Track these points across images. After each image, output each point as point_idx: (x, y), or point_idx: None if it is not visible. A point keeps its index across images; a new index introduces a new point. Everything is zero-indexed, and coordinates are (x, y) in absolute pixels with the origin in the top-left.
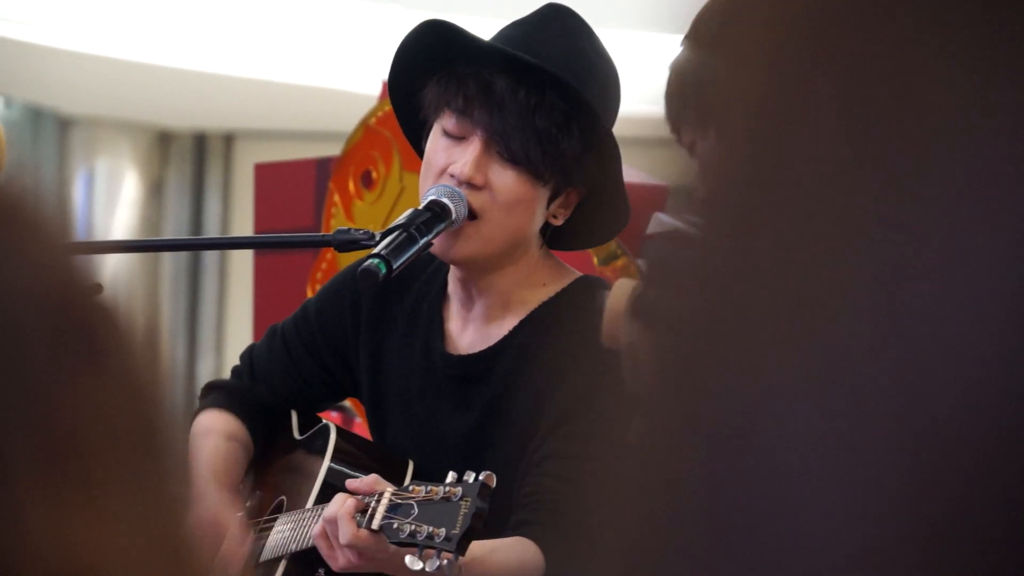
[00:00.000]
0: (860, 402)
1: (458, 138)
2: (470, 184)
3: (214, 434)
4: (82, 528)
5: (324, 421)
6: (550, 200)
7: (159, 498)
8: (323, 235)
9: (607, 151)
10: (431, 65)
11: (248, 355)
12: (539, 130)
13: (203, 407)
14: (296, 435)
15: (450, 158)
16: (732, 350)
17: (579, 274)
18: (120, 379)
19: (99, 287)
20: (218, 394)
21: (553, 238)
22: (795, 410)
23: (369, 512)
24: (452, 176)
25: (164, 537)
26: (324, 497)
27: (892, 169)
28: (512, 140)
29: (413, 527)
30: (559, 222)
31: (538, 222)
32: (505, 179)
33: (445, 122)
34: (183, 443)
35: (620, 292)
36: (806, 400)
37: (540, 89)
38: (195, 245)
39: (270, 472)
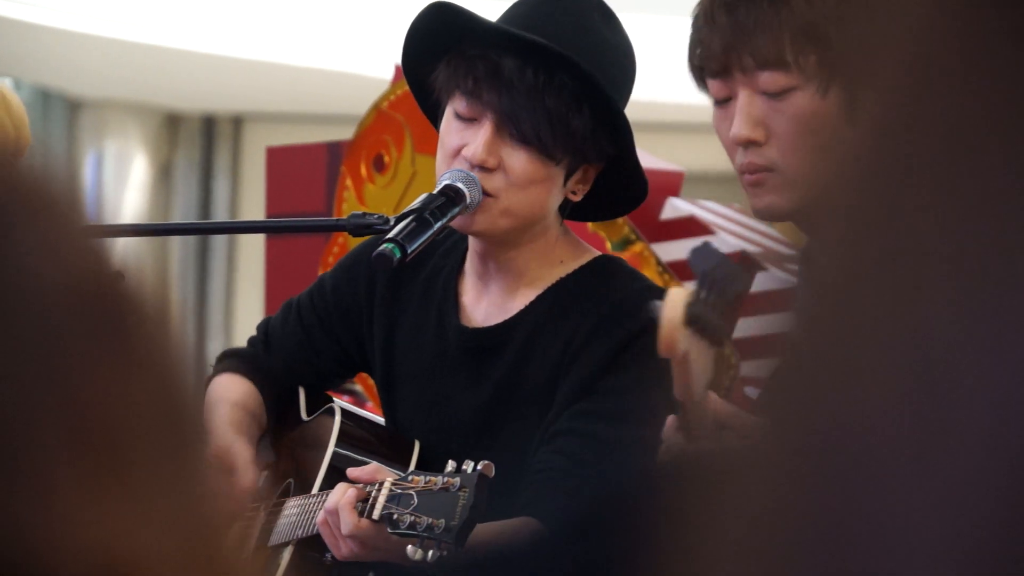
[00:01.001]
0: (958, 417)
1: (469, 120)
2: (483, 167)
3: (230, 394)
4: (115, 513)
5: (331, 401)
6: (567, 177)
7: (191, 482)
8: (337, 219)
9: (619, 127)
10: (440, 47)
11: (264, 327)
12: (549, 110)
13: (218, 371)
14: (303, 415)
15: (463, 140)
16: (839, 355)
17: (597, 252)
18: (150, 365)
19: (121, 273)
20: (234, 360)
21: (573, 210)
22: (895, 423)
23: (370, 502)
24: (465, 159)
25: (195, 522)
26: (329, 482)
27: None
28: (522, 121)
29: (413, 518)
30: (578, 198)
31: (555, 199)
32: (517, 160)
33: (456, 104)
34: (207, 426)
35: (675, 301)
36: (905, 412)
37: (548, 68)
38: (209, 229)
39: (278, 453)
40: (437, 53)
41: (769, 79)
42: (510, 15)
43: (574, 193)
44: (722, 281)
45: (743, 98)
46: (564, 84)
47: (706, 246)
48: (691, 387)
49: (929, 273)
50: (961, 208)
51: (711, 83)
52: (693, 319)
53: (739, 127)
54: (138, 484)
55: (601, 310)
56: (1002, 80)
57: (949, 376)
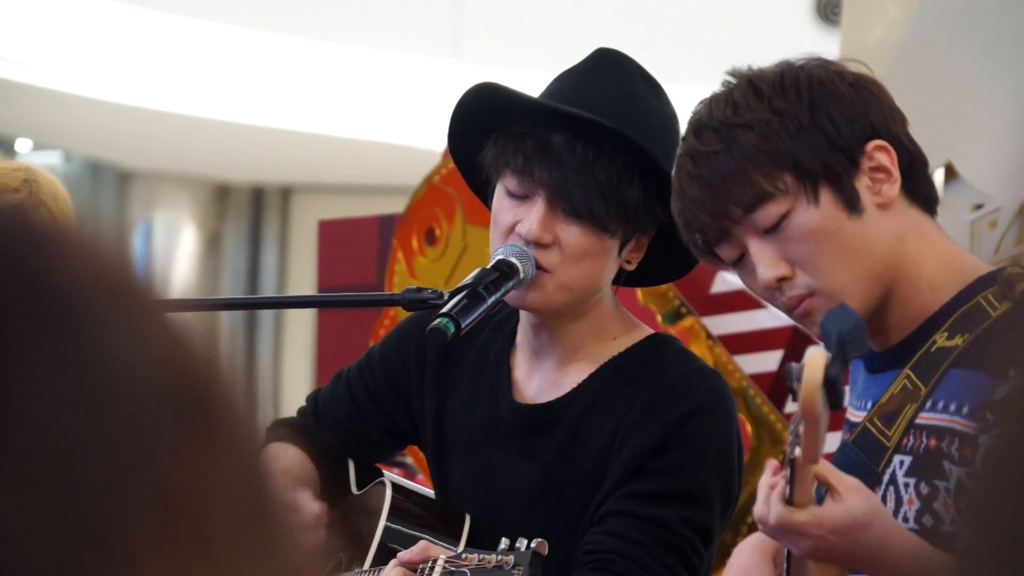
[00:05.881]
0: None
1: (521, 197)
2: (538, 243)
3: (282, 463)
4: None
5: (381, 475)
6: (621, 247)
7: (275, 561)
8: (391, 294)
9: (670, 193)
10: (486, 126)
11: (314, 397)
12: (600, 182)
13: (269, 440)
14: (354, 490)
15: (516, 217)
16: None
17: (650, 330)
18: (232, 444)
19: (201, 354)
20: (285, 430)
21: (625, 277)
22: None
23: None
24: (520, 235)
25: None
26: (381, 558)
27: None
28: (574, 196)
29: None
30: (633, 266)
31: (611, 271)
32: (572, 234)
33: (507, 182)
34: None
35: (816, 364)
36: None
37: (597, 141)
38: (264, 304)
39: (327, 528)
40: (484, 132)
41: (763, 216)
42: (555, 88)
43: (628, 263)
44: (853, 345)
45: (753, 246)
46: (614, 156)
47: (842, 308)
48: (818, 449)
49: None
50: None
51: (720, 250)
52: (831, 381)
53: (763, 272)
54: (222, 563)
55: (653, 391)
56: None
57: None
